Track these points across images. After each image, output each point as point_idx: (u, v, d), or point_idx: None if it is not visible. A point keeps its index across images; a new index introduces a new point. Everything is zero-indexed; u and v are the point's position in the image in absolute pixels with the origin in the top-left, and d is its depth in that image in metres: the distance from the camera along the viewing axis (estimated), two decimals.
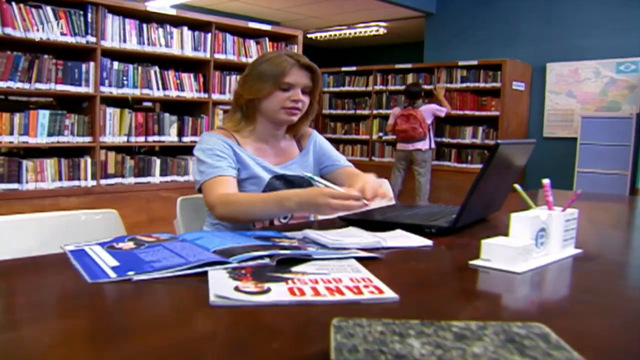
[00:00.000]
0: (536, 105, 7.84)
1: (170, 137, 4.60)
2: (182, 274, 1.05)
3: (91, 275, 1.03)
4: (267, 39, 5.20)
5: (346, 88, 9.09)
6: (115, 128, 4.25)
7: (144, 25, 4.35)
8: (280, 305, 0.91)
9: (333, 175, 2.00)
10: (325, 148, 2.07)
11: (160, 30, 4.46)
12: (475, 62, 7.72)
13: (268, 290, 0.96)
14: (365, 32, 10.33)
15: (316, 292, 0.96)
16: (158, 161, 4.53)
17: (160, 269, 1.05)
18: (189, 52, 4.65)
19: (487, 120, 7.76)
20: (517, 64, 7.61)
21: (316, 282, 1.03)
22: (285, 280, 1.03)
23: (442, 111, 6.87)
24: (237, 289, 0.96)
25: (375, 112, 8.83)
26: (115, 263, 1.09)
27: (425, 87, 8.12)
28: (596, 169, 6.78)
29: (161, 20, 4.48)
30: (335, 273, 1.10)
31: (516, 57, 7.62)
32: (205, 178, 1.73)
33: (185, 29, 4.61)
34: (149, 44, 4.38)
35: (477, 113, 7.79)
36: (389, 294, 0.97)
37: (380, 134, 8.62)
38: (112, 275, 1.02)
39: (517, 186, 1.43)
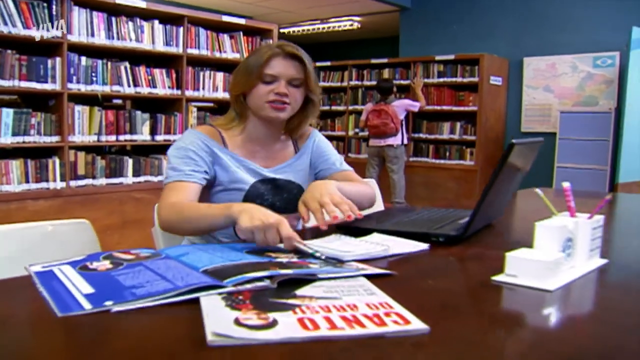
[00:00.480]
0: (513, 100, 7.78)
1: (143, 135, 4.40)
2: (170, 301, 0.89)
3: (62, 306, 0.86)
4: (241, 33, 5.02)
5: (321, 84, 8.92)
6: (84, 127, 4.03)
7: (113, 19, 4.14)
8: (291, 343, 0.76)
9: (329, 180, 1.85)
10: (324, 149, 1.91)
11: (130, 24, 4.26)
12: (452, 57, 7.63)
13: (274, 322, 0.81)
14: (339, 26, 10.18)
15: (332, 325, 0.81)
16: (130, 161, 4.33)
17: (144, 297, 0.89)
18: (160, 47, 4.45)
19: (465, 116, 7.68)
20: (495, 59, 7.54)
21: (328, 310, 0.87)
22: (292, 308, 0.87)
23: (416, 106, 6.75)
24: (237, 322, 0.80)
25: (350, 107, 8.71)
26: (89, 289, 0.93)
27: (402, 82, 8.03)
28: (575, 164, 6.74)
29: (131, 13, 4.27)
30: (347, 296, 0.95)
31: (493, 52, 7.55)
32: (166, 181, 1.62)
33: (156, 22, 4.41)
34: (118, 39, 4.17)
35: (454, 108, 7.71)
36: (417, 324, 0.82)
37: (357, 130, 8.51)
38: (87, 306, 0.85)
39: (538, 190, 1.29)
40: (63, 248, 1.38)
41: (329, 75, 9.02)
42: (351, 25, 10.12)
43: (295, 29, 10.28)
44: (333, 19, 9.97)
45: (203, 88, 4.78)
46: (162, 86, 4.49)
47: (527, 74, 7.63)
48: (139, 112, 4.37)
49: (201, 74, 4.76)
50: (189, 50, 4.63)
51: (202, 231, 1.58)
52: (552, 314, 0.98)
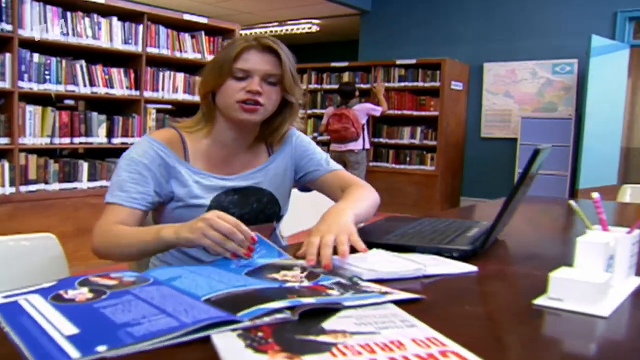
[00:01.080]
0: (474, 105, 7.78)
1: (99, 138, 4.16)
2: (176, 342, 0.72)
3: (39, 355, 0.67)
4: (203, 33, 4.83)
5: None
6: (36, 129, 3.78)
7: (69, 14, 3.90)
8: None
9: (318, 185, 1.67)
10: (307, 149, 1.69)
11: (87, 20, 4.02)
12: (413, 62, 7.58)
13: None
14: (299, 29, 10.04)
15: None
16: (86, 165, 4.08)
17: (145, 339, 0.71)
18: (119, 45, 4.23)
19: (426, 121, 7.63)
20: (456, 64, 7.51)
21: (372, 350, 0.72)
22: (329, 349, 0.71)
23: (378, 111, 6.62)
24: None
25: (310, 112, 8.57)
26: (72, 329, 0.74)
27: (363, 86, 7.92)
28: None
29: (88, 8, 4.04)
30: (386, 330, 0.79)
31: (454, 57, 7.53)
32: (109, 199, 1.40)
33: (114, 19, 4.18)
34: (74, 35, 3.94)
35: (415, 113, 7.66)
36: None
37: (315, 134, 8.36)
38: (74, 354, 0.67)
39: (573, 203, 1.16)
40: (26, 268, 1.18)
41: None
42: (310, 28, 9.99)
43: (255, 30, 10.09)
44: (292, 22, 9.83)
45: (163, 89, 4.57)
46: (119, 86, 4.26)
47: (487, 80, 7.63)
48: (95, 114, 4.14)
49: (161, 74, 4.55)
50: (149, 50, 4.42)
51: (134, 258, 1.43)
52: (618, 346, 0.84)
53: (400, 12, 8.22)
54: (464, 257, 1.27)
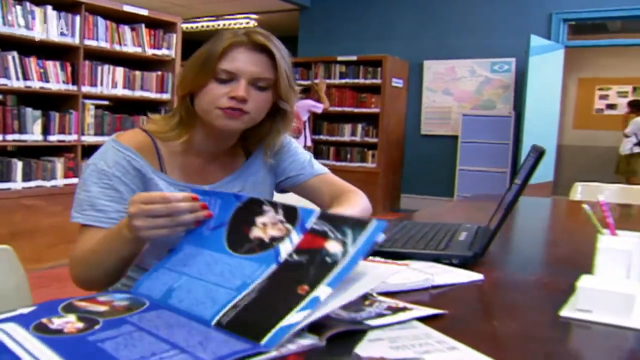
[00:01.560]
0: (413, 102, 7.82)
1: (34, 135, 3.92)
2: None
3: None
4: (143, 25, 4.62)
5: None
6: None
7: None
8: None
9: (301, 190, 1.52)
10: (289, 150, 1.50)
11: (19, 8, 3.76)
12: (354, 58, 7.55)
13: None
14: (236, 24, 9.84)
15: None
16: (20, 164, 3.83)
17: None
18: (54, 37, 3.99)
19: (367, 118, 7.62)
20: (396, 61, 7.53)
21: None
22: None
23: (319, 107, 6.53)
24: None
25: None
26: None
27: (302, 82, 7.83)
28: (477, 167, 6.84)
29: None
30: (427, 354, 0.71)
31: (394, 54, 7.53)
32: (81, 219, 1.21)
33: (49, 8, 3.94)
34: (4, 25, 3.68)
35: (356, 110, 7.63)
36: None
37: None
38: None
39: (586, 207, 1.11)
40: None
41: None
42: (247, 23, 9.82)
43: (190, 25, 9.84)
44: (229, 16, 9.62)
45: (101, 84, 4.35)
46: (55, 80, 4.02)
47: (427, 77, 7.68)
48: (29, 109, 3.89)
49: (99, 68, 4.33)
50: (87, 42, 4.19)
51: (116, 269, 1.16)
52: None
53: (340, 8, 8.17)
54: (462, 264, 1.20)
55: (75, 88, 4.15)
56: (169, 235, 1.01)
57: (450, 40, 7.44)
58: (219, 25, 9.97)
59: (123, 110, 4.67)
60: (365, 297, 0.93)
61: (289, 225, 0.90)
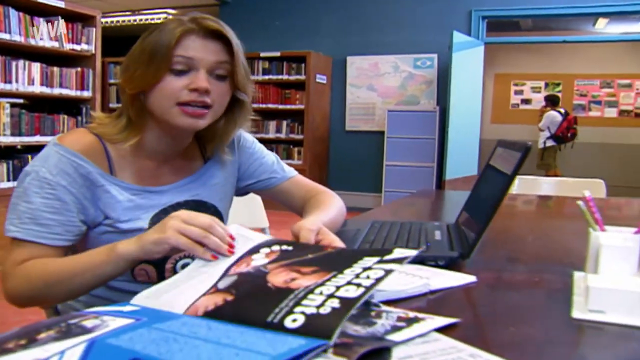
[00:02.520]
0: (337, 98, 7.81)
1: None
2: None
3: None
4: (60, 18, 4.36)
5: None
6: None
7: None
8: None
9: (272, 194, 1.44)
10: (255, 151, 1.42)
11: None
12: (277, 54, 7.46)
13: None
14: (153, 19, 9.53)
15: None
16: None
17: None
18: None
19: (291, 114, 7.55)
20: (320, 57, 7.50)
21: None
22: None
23: None
24: None
25: None
26: None
27: None
28: (403, 162, 6.90)
29: None
30: None
31: (317, 49, 7.49)
32: (18, 234, 1.08)
33: None
34: None
35: (280, 107, 7.55)
36: None
37: None
38: None
39: (580, 204, 1.07)
40: None
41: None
42: (166, 18, 9.51)
43: (106, 19, 9.44)
44: (146, 11, 9.31)
45: (16, 81, 4.06)
46: None
47: (350, 73, 7.69)
48: None
49: (13, 63, 4.04)
50: None
51: (83, 290, 1.06)
52: None
53: (262, 3, 8.05)
54: (448, 265, 1.15)
55: None
56: (184, 247, 0.94)
57: (374, 36, 7.48)
58: (135, 20, 9.63)
59: (42, 108, 4.40)
60: (369, 307, 0.86)
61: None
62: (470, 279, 1.05)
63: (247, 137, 1.43)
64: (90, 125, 1.20)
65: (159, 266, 1.24)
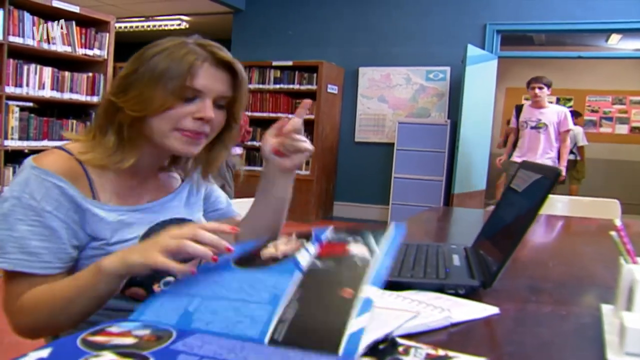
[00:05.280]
0: (348, 109, 7.77)
1: None
2: None
3: None
4: (74, 23, 4.35)
5: None
6: None
7: None
8: None
9: None
10: (214, 186, 1.42)
11: None
12: (290, 63, 7.44)
13: None
14: (167, 25, 9.55)
15: None
16: None
17: None
18: None
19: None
20: (332, 67, 7.47)
21: None
22: None
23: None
24: None
25: None
26: None
27: None
28: (412, 175, 6.85)
29: None
30: None
31: (329, 60, 7.47)
32: (4, 265, 1.02)
33: None
34: None
35: (290, 116, 7.47)
36: None
37: None
38: None
39: (614, 234, 1.03)
40: None
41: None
42: (179, 24, 9.54)
43: (119, 25, 9.45)
44: (160, 17, 9.32)
45: (27, 85, 4.05)
46: None
47: (362, 84, 7.65)
48: None
49: (25, 67, 4.03)
50: (11, 39, 3.89)
51: (85, 314, 1.01)
52: None
53: (275, 13, 8.04)
54: (468, 294, 1.10)
55: None
56: (192, 252, 0.89)
57: (386, 47, 7.45)
58: (149, 26, 9.64)
59: (51, 113, 4.38)
60: (394, 343, 0.81)
61: (302, 240, 0.86)
62: (493, 310, 1.00)
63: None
64: (66, 146, 1.14)
65: (147, 287, 1.19)
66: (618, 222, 1.06)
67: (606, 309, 1.02)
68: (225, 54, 1.14)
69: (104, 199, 1.14)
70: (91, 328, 0.73)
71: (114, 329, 0.74)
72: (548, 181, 1.07)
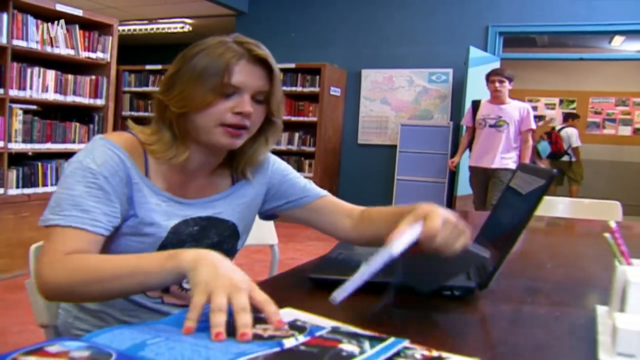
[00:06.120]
0: (351, 111, 7.78)
1: None
2: None
3: None
4: (77, 26, 4.37)
5: (150, 88, 8.31)
6: None
7: None
8: None
9: (306, 213, 1.41)
10: (287, 173, 1.43)
11: None
12: (292, 66, 7.44)
13: None
14: (169, 28, 9.57)
15: None
16: None
17: None
18: None
19: (304, 126, 7.53)
20: (335, 69, 7.48)
21: None
22: None
23: None
24: None
25: None
26: None
27: None
28: (415, 177, 6.86)
29: None
30: None
31: (332, 62, 7.48)
32: (59, 220, 1.07)
33: None
34: None
35: (293, 118, 7.52)
36: None
37: None
38: None
39: (607, 236, 1.04)
40: None
41: (159, 79, 8.41)
42: (182, 27, 9.56)
43: (122, 28, 9.47)
44: (163, 20, 9.34)
45: (31, 88, 4.07)
46: None
47: (364, 86, 7.66)
48: None
49: (29, 70, 4.06)
50: (15, 42, 3.92)
51: (122, 294, 1.08)
52: None
53: (277, 15, 8.06)
54: (464, 296, 1.11)
55: (1, 91, 3.87)
56: (211, 308, 0.84)
57: (389, 49, 7.45)
58: (152, 29, 9.66)
59: (54, 116, 4.41)
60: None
61: (294, 332, 0.82)
62: None
63: (280, 161, 1.45)
64: (133, 130, 1.25)
65: None
66: (613, 224, 1.07)
67: (601, 310, 1.03)
68: (261, 50, 1.19)
69: (154, 180, 1.23)
70: (29, 347, 0.72)
71: (53, 348, 0.72)
72: (542, 183, 1.08)
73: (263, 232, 2.00)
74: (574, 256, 1.79)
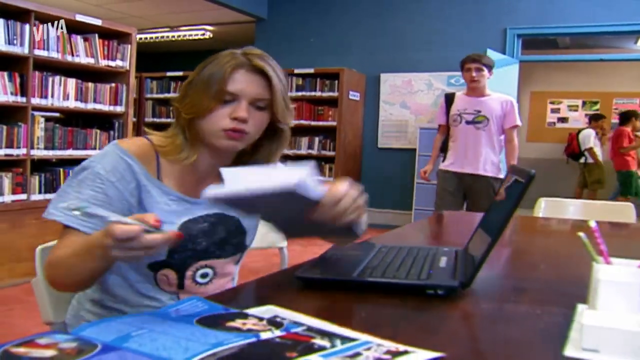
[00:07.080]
0: (370, 115, 7.81)
1: None
2: None
3: None
4: (96, 36, 4.47)
5: (171, 94, 8.41)
6: None
7: None
8: None
9: None
10: None
11: None
12: (311, 71, 7.50)
13: None
14: (191, 35, 9.69)
15: None
16: None
17: None
18: (2, 46, 3.81)
19: (324, 131, 7.57)
20: (353, 74, 7.51)
21: None
22: None
23: None
24: None
25: None
26: None
27: None
28: (434, 181, 6.82)
29: None
30: None
31: (351, 66, 7.52)
32: (60, 218, 1.20)
33: None
34: None
35: (313, 123, 7.57)
36: None
37: None
38: None
39: (582, 235, 1.06)
40: None
41: (180, 86, 8.51)
42: (203, 34, 9.68)
43: (144, 35, 9.63)
44: (185, 28, 9.47)
45: (52, 96, 4.18)
46: (3, 92, 3.84)
47: (383, 90, 7.68)
48: None
49: (50, 79, 4.16)
50: (37, 52, 4.02)
51: (91, 278, 1.16)
52: None
53: (297, 21, 8.12)
54: (448, 294, 1.14)
55: (24, 100, 3.97)
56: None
57: (407, 53, 7.47)
58: (173, 36, 9.80)
59: (75, 123, 4.51)
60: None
61: (271, 327, 0.87)
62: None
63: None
64: (150, 136, 1.36)
65: (180, 272, 1.36)
66: (593, 224, 1.09)
67: (581, 308, 1.05)
68: (262, 62, 1.29)
69: (166, 181, 1.34)
70: (21, 339, 0.76)
71: (43, 340, 0.77)
72: (524, 183, 1.10)
73: (273, 235, 2.05)
74: (571, 256, 1.80)
